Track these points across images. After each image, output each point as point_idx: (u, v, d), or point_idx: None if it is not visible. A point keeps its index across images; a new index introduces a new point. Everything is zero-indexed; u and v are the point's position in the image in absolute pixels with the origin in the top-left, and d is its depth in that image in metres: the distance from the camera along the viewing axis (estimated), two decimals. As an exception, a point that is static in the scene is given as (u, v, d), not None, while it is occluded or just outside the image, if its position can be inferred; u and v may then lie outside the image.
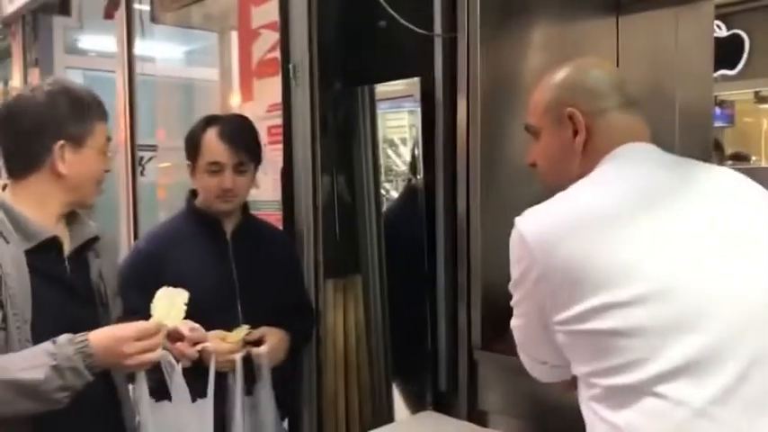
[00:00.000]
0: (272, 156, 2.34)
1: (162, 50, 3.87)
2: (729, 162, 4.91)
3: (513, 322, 1.26)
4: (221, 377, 1.77)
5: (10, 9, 4.64)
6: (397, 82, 2.31)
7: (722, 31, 5.84)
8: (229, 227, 2.02)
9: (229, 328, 1.81)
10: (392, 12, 2.02)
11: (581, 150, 1.23)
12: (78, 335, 1.37)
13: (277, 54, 2.31)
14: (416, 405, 2.28)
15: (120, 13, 3.58)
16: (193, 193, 2.06)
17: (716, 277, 1.06)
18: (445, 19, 1.97)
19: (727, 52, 5.70)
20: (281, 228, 2.29)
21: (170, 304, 1.49)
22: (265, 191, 2.38)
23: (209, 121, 2.00)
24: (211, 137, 1.94)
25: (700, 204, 1.13)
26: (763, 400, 1.02)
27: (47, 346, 1.35)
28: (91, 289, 1.58)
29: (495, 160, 1.86)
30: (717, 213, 1.13)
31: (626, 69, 2.21)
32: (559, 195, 1.18)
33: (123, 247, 3.50)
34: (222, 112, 3.20)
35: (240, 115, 2.19)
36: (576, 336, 1.10)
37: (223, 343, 1.77)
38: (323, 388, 2.29)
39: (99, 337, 1.38)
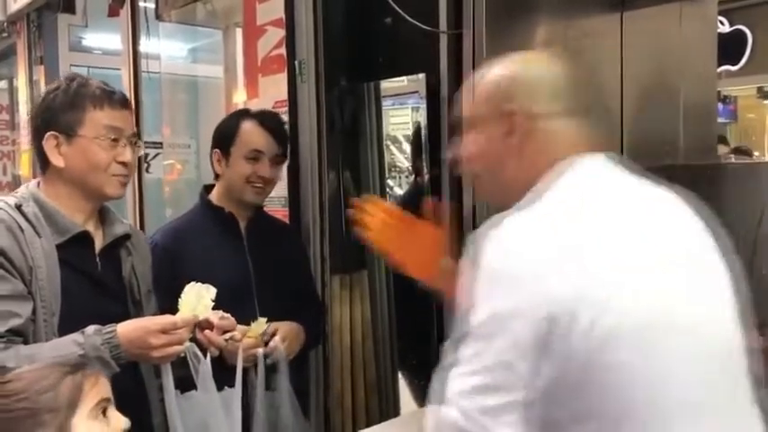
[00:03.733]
0: (278, 152, 2.35)
1: (166, 48, 3.88)
2: (732, 156, 4.91)
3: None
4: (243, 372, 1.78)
5: (15, 7, 4.66)
6: (402, 78, 2.32)
7: (725, 27, 5.84)
8: (243, 221, 2.04)
9: (247, 321, 1.82)
10: (397, 8, 2.03)
11: (515, 153, 1.11)
12: (107, 326, 1.40)
13: (282, 51, 2.32)
14: (423, 399, 2.29)
15: (125, 10, 3.59)
16: (207, 189, 2.08)
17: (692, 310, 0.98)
18: (450, 15, 1.97)
19: (729, 48, 5.70)
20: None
21: (197, 299, 1.52)
22: (271, 187, 2.39)
23: (246, 112, 2.06)
24: (251, 126, 1.99)
25: (665, 234, 1.04)
26: None
27: (75, 336, 1.38)
28: (123, 285, 1.60)
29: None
30: (683, 243, 1.04)
31: (630, 65, 2.22)
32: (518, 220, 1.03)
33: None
34: (227, 109, 3.22)
35: (275, 112, 2.23)
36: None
37: (244, 338, 1.78)
38: (329, 382, 2.31)
39: (126, 328, 1.41)
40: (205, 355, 1.56)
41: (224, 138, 2.02)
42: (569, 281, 0.92)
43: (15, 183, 6.29)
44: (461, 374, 0.97)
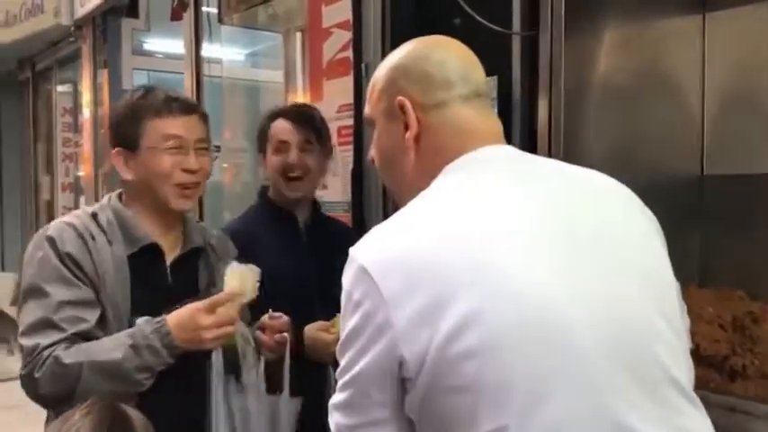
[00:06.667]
0: (342, 157, 2.32)
1: (227, 52, 3.91)
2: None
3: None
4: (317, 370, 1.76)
5: (82, 12, 4.77)
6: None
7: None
8: (302, 219, 2.02)
9: (307, 321, 1.78)
10: (468, 9, 1.97)
11: (413, 148, 1.04)
12: (157, 317, 1.42)
13: (348, 53, 2.29)
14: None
15: (188, 14, 3.63)
16: (266, 188, 2.07)
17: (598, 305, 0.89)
18: (525, 16, 1.91)
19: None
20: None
21: (242, 281, 1.49)
22: (334, 192, 2.36)
23: (276, 112, 2.06)
24: (277, 121, 2.00)
25: (577, 217, 0.96)
26: None
27: (128, 330, 1.41)
28: (196, 298, 1.56)
29: (579, 164, 1.79)
30: (594, 222, 0.97)
31: (713, 69, 2.11)
32: (400, 219, 0.96)
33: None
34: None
35: (304, 103, 2.21)
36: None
37: (327, 335, 1.75)
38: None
39: (174, 315, 1.42)
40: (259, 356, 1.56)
41: (260, 140, 2.04)
42: (415, 320, 0.85)
43: (76, 184, 6.45)
44: (339, 385, 0.95)
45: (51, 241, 1.43)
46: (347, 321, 0.93)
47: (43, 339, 1.38)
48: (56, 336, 1.38)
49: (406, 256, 0.89)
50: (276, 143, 1.97)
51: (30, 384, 1.39)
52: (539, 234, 0.92)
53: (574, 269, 0.90)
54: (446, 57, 1.06)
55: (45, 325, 1.39)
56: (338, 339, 1.65)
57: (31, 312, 1.41)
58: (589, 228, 0.96)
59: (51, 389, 1.37)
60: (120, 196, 1.58)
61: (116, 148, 1.52)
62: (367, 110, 1.14)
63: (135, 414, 1.07)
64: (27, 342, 1.39)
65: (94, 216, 1.49)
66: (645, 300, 0.93)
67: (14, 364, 5.75)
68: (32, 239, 1.49)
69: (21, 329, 1.42)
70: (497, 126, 1.08)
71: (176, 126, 1.51)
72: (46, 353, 1.37)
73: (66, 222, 1.48)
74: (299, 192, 1.97)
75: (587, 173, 1.08)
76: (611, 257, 0.94)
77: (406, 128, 1.04)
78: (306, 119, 2.00)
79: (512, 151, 1.07)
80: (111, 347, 1.38)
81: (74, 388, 1.35)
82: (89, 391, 1.32)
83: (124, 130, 1.52)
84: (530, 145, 1.88)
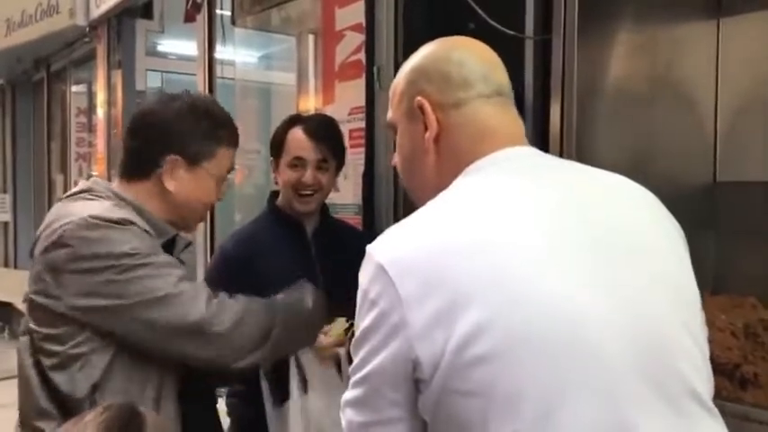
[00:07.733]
0: (353, 159, 2.32)
1: (240, 54, 3.92)
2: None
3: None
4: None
5: (97, 12, 4.81)
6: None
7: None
8: (310, 227, 2.00)
9: None
10: (482, 13, 1.97)
11: (432, 148, 1.03)
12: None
13: (361, 56, 2.30)
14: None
15: (202, 16, 3.65)
16: (275, 195, 2.06)
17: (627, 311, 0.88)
18: (538, 20, 1.91)
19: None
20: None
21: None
22: (345, 194, 2.36)
23: (295, 119, 2.01)
24: (295, 130, 1.96)
25: (593, 221, 0.93)
26: None
27: (298, 293, 1.61)
28: None
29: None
30: (614, 229, 0.94)
31: (727, 74, 2.10)
32: (420, 219, 0.95)
33: (199, 246, 3.56)
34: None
35: (325, 114, 2.18)
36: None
37: (326, 337, 1.75)
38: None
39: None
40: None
41: (275, 146, 2.01)
42: (431, 322, 0.84)
43: (89, 184, 6.49)
44: (351, 382, 0.94)
45: (129, 224, 1.36)
46: (362, 319, 0.92)
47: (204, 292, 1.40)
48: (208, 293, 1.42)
49: (425, 258, 0.88)
50: (292, 158, 1.94)
51: (223, 338, 1.38)
52: (563, 240, 0.90)
53: (601, 278, 0.88)
54: (466, 57, 1.05)
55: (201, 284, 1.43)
56: (336, 343, 1.75)
57: (164, 277, 1.36)
58: (616, 234, 0.94)
59: (249, 340, 1.41)
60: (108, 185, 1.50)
61: (173, 156, 1.44)
62: (389, 114, 1.13)
63: (151, 415, 1.06)
64: (185, 287, 1.37)
65: (118, 207, 1.41)
66: (673, 314, 0.91)
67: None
68: (73, 227, 1.32)
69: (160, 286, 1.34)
70: (519, 127, 1.06)
71: (233, 158, 1.54)
72: (221, 300, 1.41)
73: (113, 205, 1.40)
74: (310, 207, 1.96)
75: (612, 177, 1.06)
76: (640, 266, 0.92)
77: (426, 128, 1.03)
78: (325, 135, 1.95)
79: (534, 153, 1.05)
80: (296, 298, 1.53)
81: (268, 339, 1.44)
82: (278, 345, 1.48)
83: (193, 143, 1.45)
84: (542, 149, 1.86)
